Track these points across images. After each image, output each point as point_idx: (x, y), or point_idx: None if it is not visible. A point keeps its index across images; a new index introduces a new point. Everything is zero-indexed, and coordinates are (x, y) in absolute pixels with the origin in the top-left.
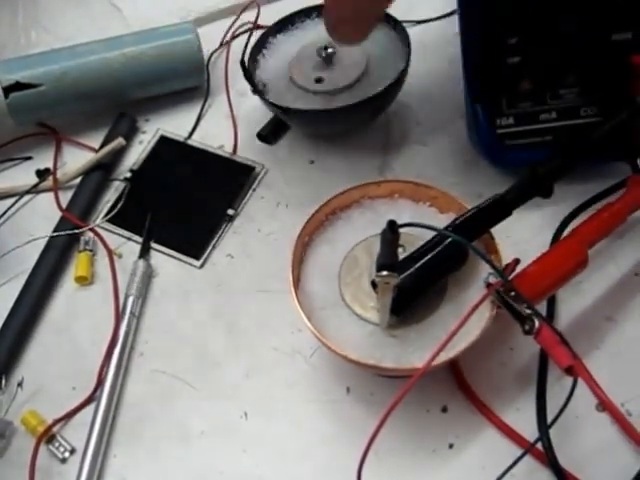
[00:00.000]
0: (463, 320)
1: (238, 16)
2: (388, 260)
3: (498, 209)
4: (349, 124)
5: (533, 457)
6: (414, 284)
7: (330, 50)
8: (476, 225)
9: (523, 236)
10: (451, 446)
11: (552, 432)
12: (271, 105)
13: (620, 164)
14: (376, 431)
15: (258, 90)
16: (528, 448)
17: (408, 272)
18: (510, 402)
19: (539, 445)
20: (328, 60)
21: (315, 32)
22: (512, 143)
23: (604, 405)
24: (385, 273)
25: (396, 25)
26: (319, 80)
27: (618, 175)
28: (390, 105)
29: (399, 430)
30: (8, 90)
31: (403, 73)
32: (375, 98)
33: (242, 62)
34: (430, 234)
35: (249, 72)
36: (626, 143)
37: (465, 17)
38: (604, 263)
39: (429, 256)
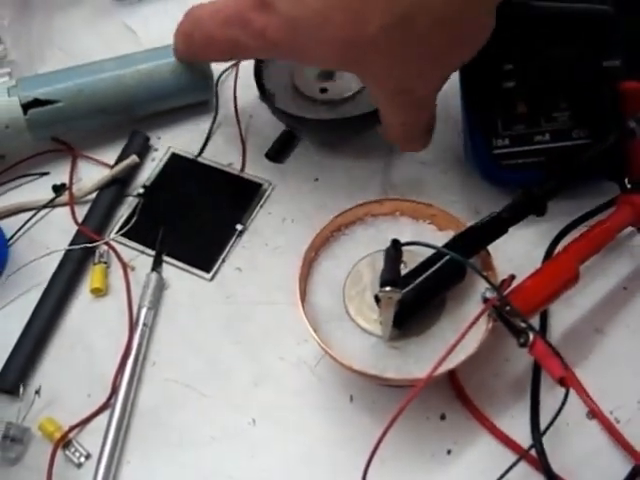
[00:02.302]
0: (463, 334)
1: None
2: (391, 276)
3: (494, 227)
4: (357, 131)
5: (527, 463)
6: (415, 299)
7: None
8: (474, 242)
9: (517, 252)
10: (449, 452)
11: (545, 439)
12: (281, 113)
13: (609, 183)
14: (380, 439)
15: (268, 99)
16: (522, 454)
17: (410, 287)
18: (505, 410)
19: (533, 451)
20: (329, 71)
21: None
22: (507, 163)
23: (594, 413)
24: (388, 288)
25: None
26: (324, 90)
27: (607, 194)
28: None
29: (400, 436)
30: (27, 107)
31: None
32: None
33: (256, 72)
34: (430, 251)
35: (261, 80)
36: (615, 164)
37: None
38: (594, 278)
39: (429, 272)
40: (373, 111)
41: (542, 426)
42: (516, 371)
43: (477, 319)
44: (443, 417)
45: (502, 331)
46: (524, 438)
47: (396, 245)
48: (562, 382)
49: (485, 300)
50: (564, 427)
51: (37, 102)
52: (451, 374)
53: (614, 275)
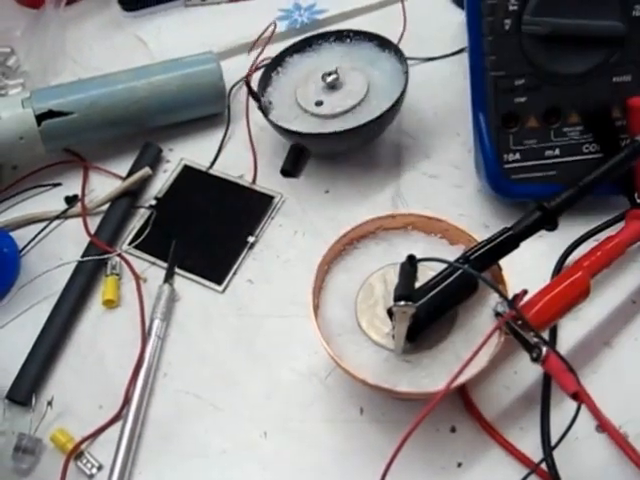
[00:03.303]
0: (477, 350)
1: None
2: (406, 291)
3: (506, 242)
4: (340, 147)
5: (537, 476)
6: (428, 312)
7: (334, 76)
8: (486, 257)
9: (527, 265)
10: (459, 464)
11: (555, 452)
12: (271, 123)
13: (618, 197)
14: (393, 456)
15: (262, 107)
16: (533, 468)
17: (423, 301)
18: (515, 422)
19: (543, 464)
20: (331, 85)
21: (330, 55)
22: (518, 177)
23: (604, 427)
24: (403, 303)
25: (401, 57)
26: (319, 103)
27: (617, 208)
28: (380, 134)
29: (411, 448)
30: (41, 118)
31: (389, 110)
32: (358, 129)
33: (247, 83)
34: (443, 265)
35: (254, 90)
36: (625, 178)
37: (474, 63)
38: (602, 291)
39: (442, 286)
40: (357, 127)
41: (552, 440)
42: (525, 383)
43: (491, 334)
44: (453, 430)
45: (511, 344)
46: (534, 450)
47: (412, 261)
48: (575, 397)
49: (497, 314)
50: (573, 440)
51: (51, 113)
52: (461, 387)
53: (623, 289)
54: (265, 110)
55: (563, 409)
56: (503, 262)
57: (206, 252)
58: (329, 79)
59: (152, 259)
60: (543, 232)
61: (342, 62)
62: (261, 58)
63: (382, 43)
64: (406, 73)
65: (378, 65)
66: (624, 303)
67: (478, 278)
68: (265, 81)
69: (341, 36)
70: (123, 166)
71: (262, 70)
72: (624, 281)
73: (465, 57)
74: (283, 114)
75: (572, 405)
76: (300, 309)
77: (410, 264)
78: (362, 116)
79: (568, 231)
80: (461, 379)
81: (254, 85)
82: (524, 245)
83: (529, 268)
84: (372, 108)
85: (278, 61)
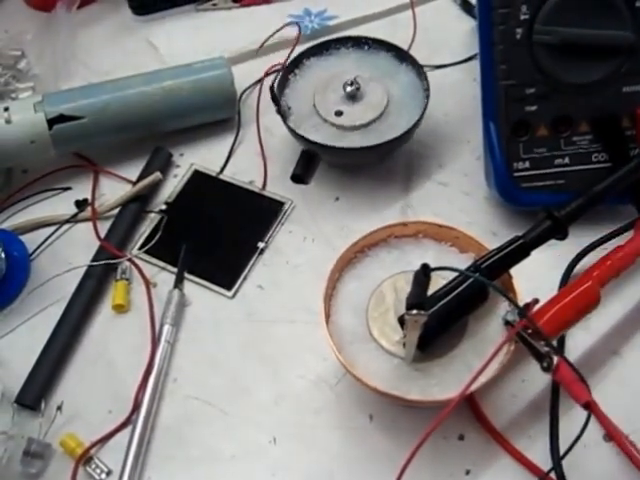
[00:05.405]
0: (490, 358)
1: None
2: (418, 300)
3: (518, 251)
4: (357, 161)
5: None
6: (439, 321)
7: (354, 87)
8: (497, 266)
9: (536, 272)
10: (468, 472)
11: (563, 460)
12: (290, 130)
13: (627, 207)
14: (405, 466)
15: (281, 111)
16: (542, 476)
17: (434, 310)
18: (523, 430)
19: (551, 473)
20: (351, 96)
21: (347, 61)
22: (527, 186)
23: (611, 436)
24: (415, 312)
25: (420, 73)
26: (339, 113)
27: (626, 217)
28: (396, 150)
29: (419, 456)
30: (52, 122)
31: (411, 129)
32: (379, 146)
33: (271, 88)
34: (453, 274)
35: (275, 94)
36: (634, 188)
37: (485, 71)
38: (610, 300)
39: (453, 295)
40: (378, 145)
41: (560, 447)
42: (533, 392)
43: (504, 343)
44: (462, 438)
45: (519, 352)
46: (542, 458)
47: (425, 270)
48: (587, 407)
49: (506, 322)
50: (581, 449)
51: (62, 118)
52: (469, 395)
53: (630, 298)
54: (284, 115)
55: (571, 417)
56: (513, 269)
57: (216, 257)
58: (349, 89)
59: (162, 264)
60: (551, 241)
61: (359, 69)
62: (272, 63)
63: (400, 54)
64: (427, 90)
65: (397, 78)
66: (632, 312)
67: (491, 287)
68: (283, 83)
69: (359, 42)
70: (133, 170)
71: (280, 73)
72: (631, 290)
73: (475, 65)
74: (301, 120)
75: (580, 413)
76: (310, 315)
77: (424, 273)
78: (381, 130)
79: (576, 240)
80: (472, 388)
81: (266, 102)
82: (534, 253)
83: (539, 275)
84: (391, 123)
85: (296, 63)
